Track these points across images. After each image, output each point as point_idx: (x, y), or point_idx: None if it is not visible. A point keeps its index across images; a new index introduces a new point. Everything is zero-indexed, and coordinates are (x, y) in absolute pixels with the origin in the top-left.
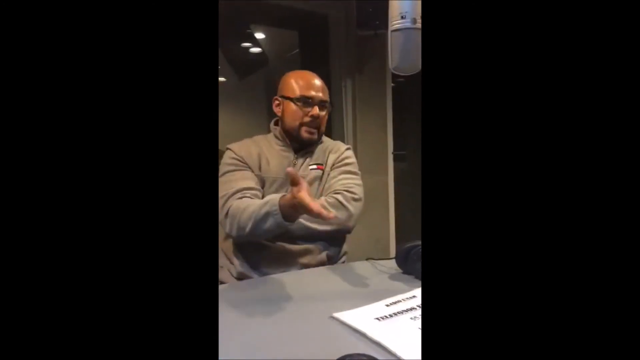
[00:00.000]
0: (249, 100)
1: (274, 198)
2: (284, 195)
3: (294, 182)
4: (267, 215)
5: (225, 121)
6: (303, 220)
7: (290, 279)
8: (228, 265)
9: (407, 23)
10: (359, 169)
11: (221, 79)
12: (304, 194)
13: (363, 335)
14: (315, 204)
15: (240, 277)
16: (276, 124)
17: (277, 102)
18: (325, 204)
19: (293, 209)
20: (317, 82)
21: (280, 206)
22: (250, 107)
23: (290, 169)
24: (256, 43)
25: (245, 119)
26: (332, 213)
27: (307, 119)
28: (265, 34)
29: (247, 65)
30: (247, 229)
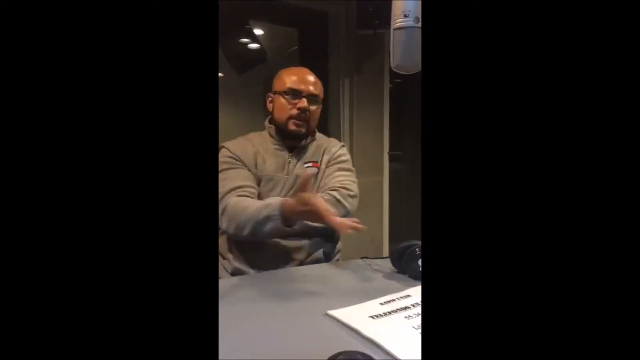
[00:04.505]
0: (247, 96)
1: (274, 202)
2: (285, 200)
3: (303, 188)
4: (267, 219)
5: (223, 117)
6: None
7: (285, 276)
8: (221, 261)
9: (409, 22)
10: (355, 168)
11: (219, 74)
12: (320, 201)
13: (357, 333)
14: (329, 212)
15: (235, 272)
16: (271, 122)
17: (269, 98)
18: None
19: (296, 215)
20: (310, 77)
21: (281, 211)
22: (248, 103)
23: (305, 174)
24: (255, 39)
25: (242, 114)
26: (351, 224)
27: (294, 112)
28: (264, 30)
29: (245, 61)
30: (246, 230)
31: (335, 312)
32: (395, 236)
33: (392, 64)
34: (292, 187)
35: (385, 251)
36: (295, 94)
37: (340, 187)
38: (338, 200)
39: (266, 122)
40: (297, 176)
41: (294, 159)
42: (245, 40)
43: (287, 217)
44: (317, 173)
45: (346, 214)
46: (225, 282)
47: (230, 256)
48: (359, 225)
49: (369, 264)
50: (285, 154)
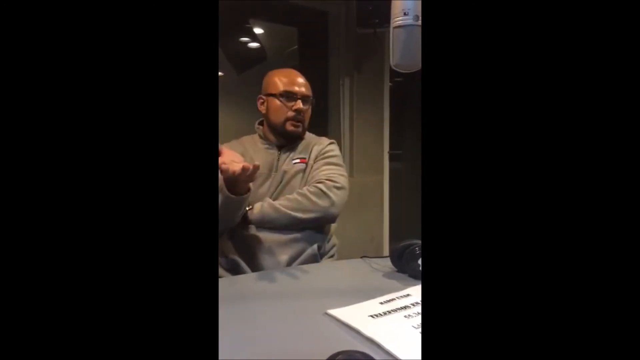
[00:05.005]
0: (247, 95)
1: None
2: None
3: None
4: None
5: (222, 116)
6: (286, 210)
7: (284, 275)
8: (220, 261)
9: (409, 20)
10: (355, 168)
11: (219, 73)
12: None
13: (357, 332)
14: (234, 165)
15: (231, 267)
16: (260, 124)
17: (261, 100)
18: (308, 192)
19: (230, 180)
20: (300, 79)
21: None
22: (248, 103)
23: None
24: (254, 38)
25: (242, 114)
26: (255, 164)
27: (291, 114)
28: (264, 29)
29: (245, 61)
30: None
31: (334, 312)
32: (395, 235)
33: (391, 63)
34: (280, 182)
35: (385, 250)
36: (290, 96)
37: (326, 179)
38: (323, 192)
39: (256, 125)
40: (284, 172)
41: (283, 156)
42: (245, 39)
43: (228, 184)
44: (305, 168)
45: (332, 204)
46: (225, 282)
47: (225, 251)
48: (246, 165)
49: (369, 263)
50: (275, 152)
